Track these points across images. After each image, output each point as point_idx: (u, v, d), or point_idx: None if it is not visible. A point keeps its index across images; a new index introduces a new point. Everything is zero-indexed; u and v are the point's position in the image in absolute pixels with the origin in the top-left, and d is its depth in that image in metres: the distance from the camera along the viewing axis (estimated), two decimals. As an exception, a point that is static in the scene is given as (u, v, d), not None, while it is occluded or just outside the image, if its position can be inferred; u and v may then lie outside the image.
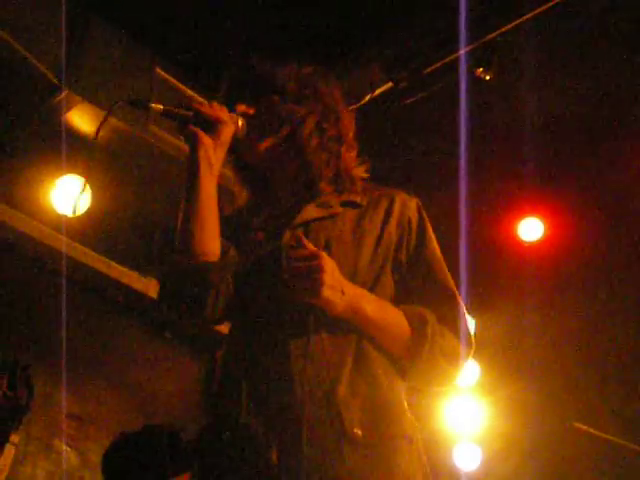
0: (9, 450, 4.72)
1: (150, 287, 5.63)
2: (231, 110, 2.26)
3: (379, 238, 2.23)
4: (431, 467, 2.11)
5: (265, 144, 2.29)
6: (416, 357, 2.13)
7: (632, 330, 6.06)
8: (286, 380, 2.02)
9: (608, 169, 5.56)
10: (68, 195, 5.05)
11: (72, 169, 5.02)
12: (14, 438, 4.76)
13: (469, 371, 6.30)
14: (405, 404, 2.15)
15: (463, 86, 4.51)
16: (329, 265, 2.00)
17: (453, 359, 2.17)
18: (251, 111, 2.30)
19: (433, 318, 2.16)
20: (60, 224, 5.12)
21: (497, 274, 6.10)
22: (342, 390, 2.02)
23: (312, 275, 1.98)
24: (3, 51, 4.50)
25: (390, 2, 4.70)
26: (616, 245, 5.89)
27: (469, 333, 2.23)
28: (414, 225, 2.30)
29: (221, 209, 2.23)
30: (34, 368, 4.96)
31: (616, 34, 4.74)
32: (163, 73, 5.14)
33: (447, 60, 4.65)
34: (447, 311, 2.21)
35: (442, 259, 2.31)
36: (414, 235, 2.29)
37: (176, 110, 2.25)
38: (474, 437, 6.33)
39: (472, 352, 2.24)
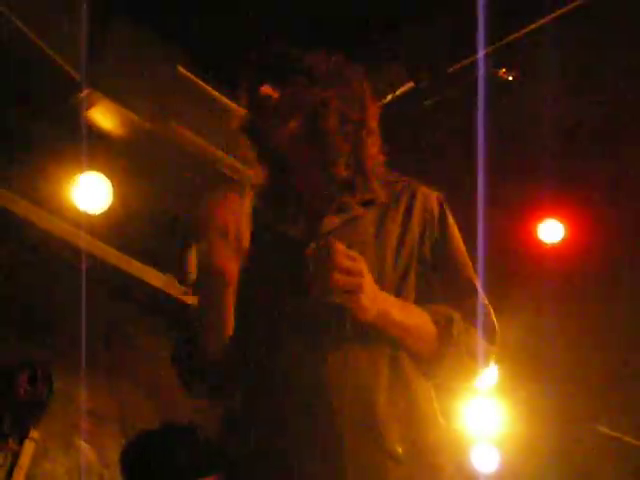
0: (29, 446, 4.74)
1: (170, 284, 5.65)
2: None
3: (402, 239, 2.19)
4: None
5: (288, 127, 2.22)
6: (443, 357, 2.10)
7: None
8: (322, 392, 1.97)
9: (629, 171, 5.53)
10: (89, 192, 5.07)
11: (93, 166, 5.04)
12: (34, 434, 4.79)
13: (488, 373, 6.29)
14: (436, 407, 2.12)
15: (481, 86, 4.50)
16: (367, 270, 1.95)
17: (479, 357, 2.14)
18: (276, 94, 2.23)
19: (458, 316, 2.13)
20: (81, 221, 5.14)
21: (517, 276, 6.08)
22: (381, 401, 1.98)
23: (354, 278, 1.92)
24: (25, 48, 4.52)
25: (412, 1, 4.69)
26: (637, 247, 5.86)
27: (494, 329, 2.19)
28: (436, 219, 2.27)
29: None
30: (54, 365, 5.00)
31: (637, 35, 4.72)
32: (185, 71, 5.15)
33: (469, 60, 4.64)
34: (472, 308, 2.17)
35: (466, 255, 2.28)
36: (436, 229, 2.26)
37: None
38: (492, 439, 6.32)
39: (497, 348, 2.20)
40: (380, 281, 2.06)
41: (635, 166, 5.48)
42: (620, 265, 5.97)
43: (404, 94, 4.96)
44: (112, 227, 5.32)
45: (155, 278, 5.63)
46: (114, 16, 4.91)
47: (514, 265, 5.97)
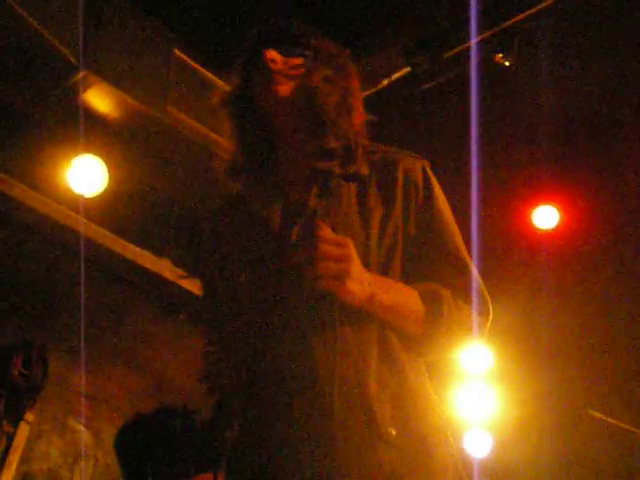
0: (24, 428, 4.75)
1: (165, 268, 5.65)
2: None
3: (386, 217, 2.13)
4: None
5: (287, 90, 2.20)
6: (433, 336, 2.06)
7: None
8: (312, 378, 1.95)
9: (624, 157, 5.54)
10: (85, 175, 5.06)
11: (89, 149, 5.04)
12: (29, 416, 4.79)
13: (482, 357, 6.30)
14: (428, 384, 2.10)
15: (474, 72, 4.49)
16: (355, 254, 1.93)
17: (471, 330, 2.10)
18: (280, 59, 2.22)
19: (447, 293, 2.08)
20: (77, 204, 5.14)
21: (512, 261, 6.10)
22: (372, 384, 1.96)
23: (341, 264, 1.89)
24: (22, 31, 4.51)
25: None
26: (631, 232, 5.87)
27: (486, 303, 2.14)
28: (420, 190, 2.19)
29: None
30: (50, 347, 5.00)
31: (636, 21, 4.72)
32: (181, 54, 5.14)
33: (466, 46, 4.63)
34: (461, 283, 2.12)
35: (453, 226, 2.21)
36: (420, 200, 2.18)
37: None
38: (485, 424, 6.34)
39: (489, 321, 2.15)
40: (365, 261, 2.02)
41: (630, 153, 5.49)
42: (615, 250, 5.99)
43: (401, 79, 4.96)
44: (107, 210, 5.31)
45: (150, 261, 5.63)
46: (110, -1, 4.90)
47: (509, 250, 5.98)
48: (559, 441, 6.10)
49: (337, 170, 2.19)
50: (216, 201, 2.42)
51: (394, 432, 1.93)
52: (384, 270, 2.10)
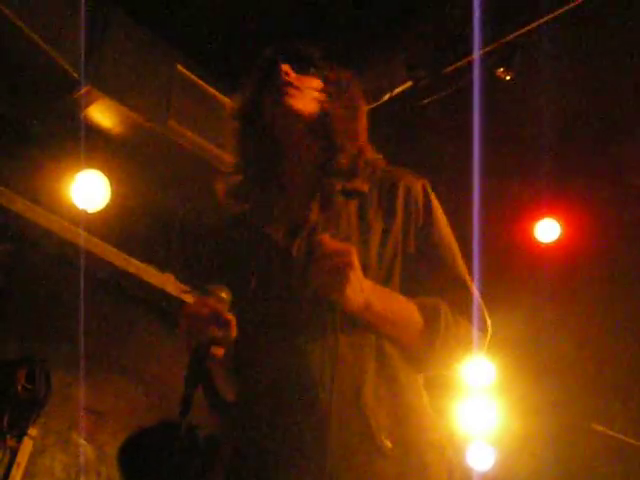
0: (27, 443, 4.75)
1: (168, 283, 5.65)
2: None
3: (386, 234, 2.15)
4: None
5: (300, 105, 2.24)
6: (430, 350, 2.07)
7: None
8: (309, 388, 1.96)
9: (627, 170, 5.54)
10: (87, 190, 5.07)
11: (92, 164, 5.05)
12: (32, 431, 4.79)
13: (484, 371, 6.30)
14: (425, 400, 2.10)
15: (477, 86, 4.51)
16: (356, 261, 1.93)
17: (469, 345, 2.11)
18: (295, 75, 2.27)
19: (446, 308, 2.09)
20: (79, 219, 5.14)
21: (514, 274, 6.09)
22: (368, 395, 1.96)
23: (342, 271, 1.89)
24: (25, 45, 4.52)
25: (411, 1, 4.71)
26: (633, 246, 5.88)
27: (485, 320, 2.15)
28: (420, 207, 2.21)
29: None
30: (53, 362, 5.00)
31: (637, 33, 4.73)
32: (184, 69, 5.16)
33: (467, 60, 4.65)
34: (459, 299, 2.13)
35: (453, 243, 2.23)
36: (420, 219, 2.20)
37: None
38: (488, 437, 6.33)
39: (488, 338, 2.16)
40: (364, 275, 2.02)
41: (631, 165, 5.50)
42: (616, 263, 5.99)
43: (402, 93, 4.98)
44: (110, 225, 5.32)
45: (153, 276, 5.63)
46: (114, 14, 4.92)
47: (511, 264, 5.98)
48: (562, 455, 6.09)
49: (339, 186, 2.21)
50: (221, 216, 2.44)
51: (390, 444, 1.93)
52: (383, 285, 2.10)
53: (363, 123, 2.34)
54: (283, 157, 2.33)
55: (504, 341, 6.16)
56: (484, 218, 4.20)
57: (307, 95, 2.26)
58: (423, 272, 2.18)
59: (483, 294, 2.20)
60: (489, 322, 2.17)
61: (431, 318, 2.07)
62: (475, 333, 2.12)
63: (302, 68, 2.30)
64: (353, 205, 2.19)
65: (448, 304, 2.11)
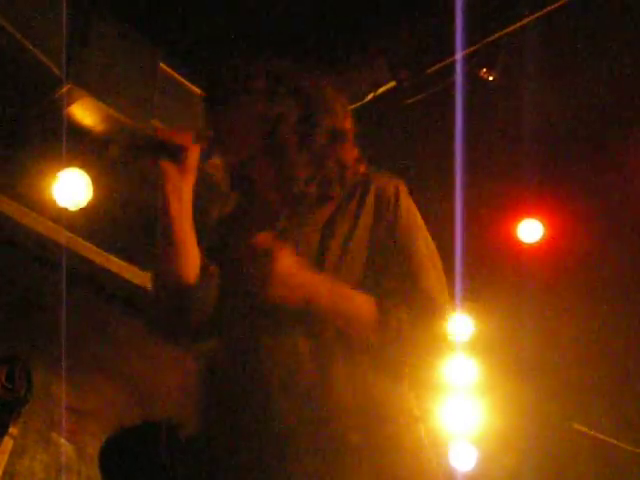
0: (7, 442, 4.73)
1: (149, 281, 5.63)
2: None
3: (351, 231, 2.15)
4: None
5: (245, 145, 2.23)
6: (385, 345, 2.06)
7: (632, 331, 6.07)
8: (264, 392, 1.99)
9: (609, 171, 5.56)
10: (69, 189, 5.05)
11: (73, 163, 5.03)
12: (12, 430, 4.77)
13: (466, 371, 6.31)
14: (398, 390, 2.11)
15: (459, 86, 4.51)
16: (282, 252, 1.97)
17: (425, 347, 2.11)
18: (228, 114, 2.25)
19: (401, 308, 2.07)
20: (61, 217, 5.12)
21: (496, 275, 6.10)
22: (332, 396, 1.97)
23: (262, 259, 1.94)
24: (6, 43, 4.50)
25: (394, 1, 4.71)
26: (616, 246, 5.90)
27: (441, 318, 2.12)
28: (390, 209, 2.19)
29: (209, 215, 2.31)
30: (33, 360, 4.98)
31: (620, 35, 4.74)
32: (167, 68, 5.14)
33: (450, 60, 4.66)
34: (418, 296, 2.10)
35: (426, 253, 2.18)
36: (390, 219, 2.18)
37: (137, 145, 2.26)
38: (470, 437, 6.34)
39: (446, 338, 2.14)
40: (321, 270, 2.07)
41: (615, 166, 5.52)
42: (599, 264, 6.01)
43: (385, 93, 4.98)
44: (91, 224, 5.30)
45: (135, 275, 5.62)
46: (96, 12, 4.89)
47: (494, 264, 5.99)
48: (544, 454, 6.11)
49: (311, 192, 2.22)
50: (211, 217, 2.47)
51: (355, 439, 1.94)
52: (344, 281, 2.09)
53: (334, 121, 2.29)
54: (256, 183, 2.35)
55: (486, 340, 6.19)
56: (466, 218, 4.20)
57: (248, 129, 2.23)
58: (386, 276, 2.14)
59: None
60: (446, 325, 2.13)
61: (382, 316, 2.04)
62: (434, 334, 2.09)
63: (238, 98, 2.25)
64: (325, 210, 2.20)
65: (407, 303, 2.07)
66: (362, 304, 2.06)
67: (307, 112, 2.25)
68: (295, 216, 2.20)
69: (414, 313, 2.07)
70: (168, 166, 2.14)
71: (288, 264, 1.96)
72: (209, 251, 2.26)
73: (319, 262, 2.09)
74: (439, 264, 2.21)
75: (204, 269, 2.20)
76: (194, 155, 2.17)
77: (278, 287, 1.94)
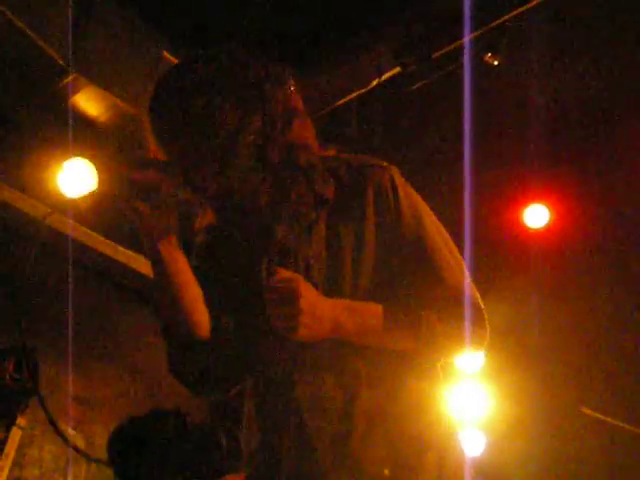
0: (15, 433, 4.73)
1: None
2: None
3: (359, 241, 2.05)
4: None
5: (202, 178, 2.01)
6: (420, 353, 2.02)
7: (638, 316, 6.06)
8: (299, 428, 1.96)
9: (615, 156, 5.55)
10: (74, 178, 5.04)
11: (79, 152, 5.02)
12: (20, 421, 4.77)
13: (473, 357, 6.30)
14: (429, 406, 2.05)
15: (467, 71, 4.49)
16: (305, 289, 1.87)
17: (460, 341, 2.04)
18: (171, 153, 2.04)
19: (427, 312, 2.00)
20: (67, 207, 5.12)
21: (503, 260, 6.10)
22: (360, 426, 1.93)
23: (288, 304, 1.85)
24: (11, 33, 4.49)
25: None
26: (622, 232, 5.88)
27: (478, 306, 2.06)
28: (391, 203, 2.08)
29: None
30: (41, 351, 4.98)
31: (628, 17, 4.72)
32: (170, 56, 5.12)
33: (456, 44, 4.63)
34: (441, 293, 2.03)
35: (438, 240, 2.10)
36: (393, 214, 2.08)
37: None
38: (478, 423, 6.34)
39: (485, 324, 2.08)
40: (339, 289, 1.99)
41: (621, 150, 5.50)
42: (605, 249, 6.00)
43: (390, 79, 4.96)
44: (98, 213, 5.29)
45: (142, 264, 5.61)
46: (99, 0, 4.88)
47: (500, 249, 5.99)
48: (552, 439, 6.10)
49: (302, 196, 2.08)
50: (207, 215, 2.29)
51: (387, 472, 1.91)
52: (364, 295, 2.03)
53: (293, 130, 2.07)
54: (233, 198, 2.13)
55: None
56: (472, 204, 4.19)
57: (198, 162, 2.01)
58: (403, 270, 2.07)
59: (472, 280, 2.14)
60: (483, 310, 2.08)
61: (411, 325, 1.99)
62: (469, 326, 2.03)
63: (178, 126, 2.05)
64: (322, 214, 2.09)
65: (431, 303, 2.02)
66: (387, 317, 2.00)
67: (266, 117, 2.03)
68: (296, 231, 2.08)
69: (444, 313, 2.01)
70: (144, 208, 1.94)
71: (312, 300, 1.88)
72: (196, 270, 2.10)
73: (334, 281, 2.01)
74: (455, 249, 2.14)
75: (217, 319, 2.08)
76: (171, 192, 1.96)
77: (307, 328, 1.86)
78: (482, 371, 6.35)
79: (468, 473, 2.02)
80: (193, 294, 2.04)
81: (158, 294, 2.06)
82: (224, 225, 2.20)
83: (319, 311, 1.88)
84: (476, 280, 2.16)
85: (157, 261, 2.00)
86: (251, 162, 1.99)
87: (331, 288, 1.99)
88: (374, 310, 1.99)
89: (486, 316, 2.10)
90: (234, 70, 2.05)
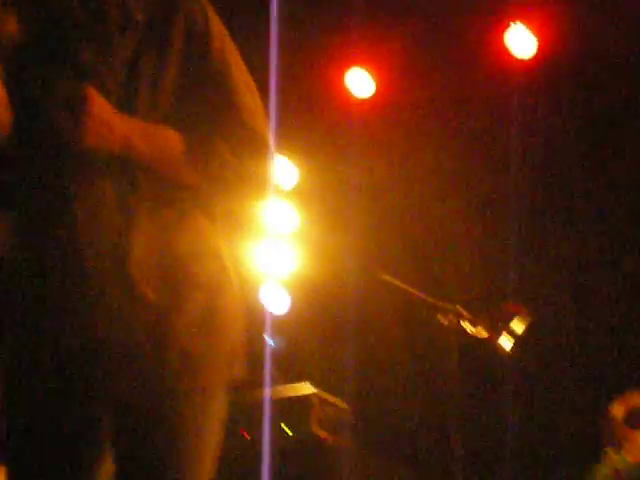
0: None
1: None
2: None
3: (160, 68, 2.00)
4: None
5: None
6: (207, 188, 2.02)
7: (449, 189, 6.21)
8: (71, 243, 1.90)
9: (444, 26, 5.57)
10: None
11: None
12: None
13: (287, 218, 6.34)
14: (208, 248, 2.04)
15: None
16: (97, 96, 1.84)
17: (251, 186, 2.07)
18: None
19: (221, 148, 2.00)
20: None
21: (325, 125, 6.09)
22: (136, 249, 1.91)
23: (74, 107, 1.82)
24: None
25: None
26: (445, 100, 5.95)
27: (265, 153, 2.06)
28: (201, 37, 2.03)
29: None
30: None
31: None
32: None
33: None
34: (237, 134, 2.02)
35: (242, 79, 2.07)
36: (200, 47, 2.04)
37: None
38: (284, 281, 6.41)
39: (267, 186, 2.09)
40: (132, 111, 1.95)
41: (451, 23, 5.51)
42: (427, 118, 6.06)
43: None
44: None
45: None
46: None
47: (320, 113, 5.97)
48: (352, 303, 6.24)
49: (107, 24, 2.00)
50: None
51: (150, 292, 1.90)
52: (163, 120, 1.99)
53: None
54: None
55: (309, 191, 6.22)
56: (290, 65, 4.10)
57: None
58: (202, 107, 2.04)
59: (290, 142, 2.12)
60: (271, 160, 2.09)
61: (203, 151, 1.99)
62: (256, 169, 2.04)
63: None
64: (129, 38, 2.01)
65: (227, 142, 2.00)
66: (178, 145, 1.98)
67: None
68: (98, 46, 1.99)
69: (238, 151, 2.00)
70: None
71: (103, 107, 1.85)
72: None
73: (129, 102, 1.96)
74: (257, 94, 2.12)
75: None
76: None
77: (92, 136, 1.83)
78: (294, 233, 6.41)
79: (243, 325, 2.06)
80: None
81: None
82: (28, 37, 2.03)
83: (110, 120, 1.86)
84: (293, 143, 2.14)
85: None
86: None
87: (126, 112, 1.94)
88: (170, 136, 1.99)
89: (273, 170, 2.12)
90: None
